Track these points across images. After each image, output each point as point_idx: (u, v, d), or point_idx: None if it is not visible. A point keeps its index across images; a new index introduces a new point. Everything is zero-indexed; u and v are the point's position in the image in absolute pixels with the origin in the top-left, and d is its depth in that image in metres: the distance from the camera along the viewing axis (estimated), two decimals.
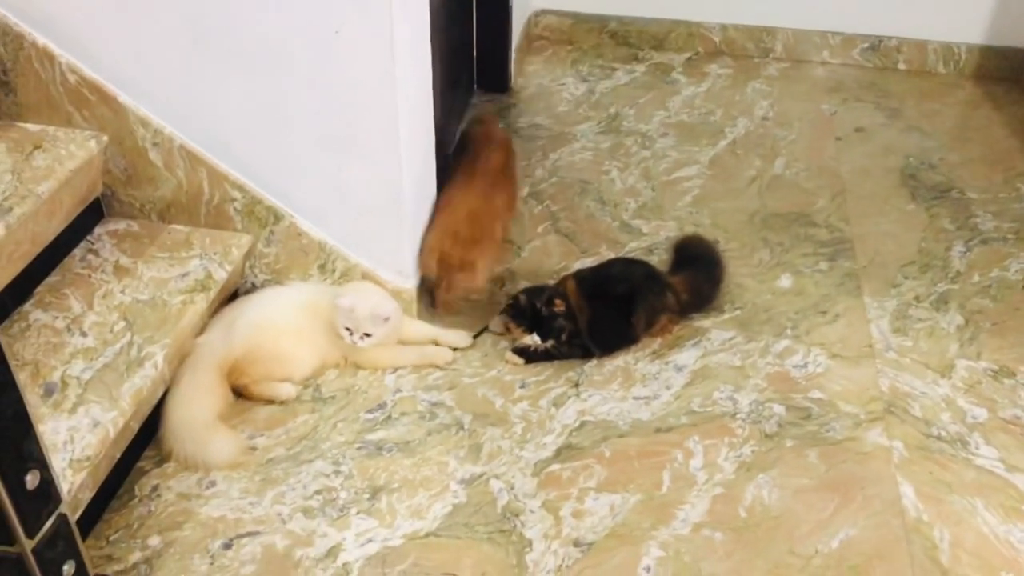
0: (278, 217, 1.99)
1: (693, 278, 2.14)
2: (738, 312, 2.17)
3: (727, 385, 1.97)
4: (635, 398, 1.94)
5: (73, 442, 1.52)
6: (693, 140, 2.87)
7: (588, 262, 2.27)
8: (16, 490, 1.12)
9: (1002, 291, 2.25)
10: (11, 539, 1.15)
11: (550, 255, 2.35)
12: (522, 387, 1.96)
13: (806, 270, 2.31)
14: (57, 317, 1.78)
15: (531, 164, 2.73)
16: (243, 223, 2.01)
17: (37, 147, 1.84)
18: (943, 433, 1.86)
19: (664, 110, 3.04)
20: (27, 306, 1.79)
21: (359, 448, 1.81)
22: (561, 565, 1.60)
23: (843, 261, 2.34)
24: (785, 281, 2.28)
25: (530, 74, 3.26)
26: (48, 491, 1.18)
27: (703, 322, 2.14)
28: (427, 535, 1.65)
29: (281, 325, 1.91)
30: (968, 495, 1.74)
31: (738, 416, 1.90)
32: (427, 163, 2.12)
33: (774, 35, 3.36)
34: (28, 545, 1.16)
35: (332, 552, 1.61)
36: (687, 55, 3.40)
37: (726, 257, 2.27)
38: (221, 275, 1.91)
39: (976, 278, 2.29)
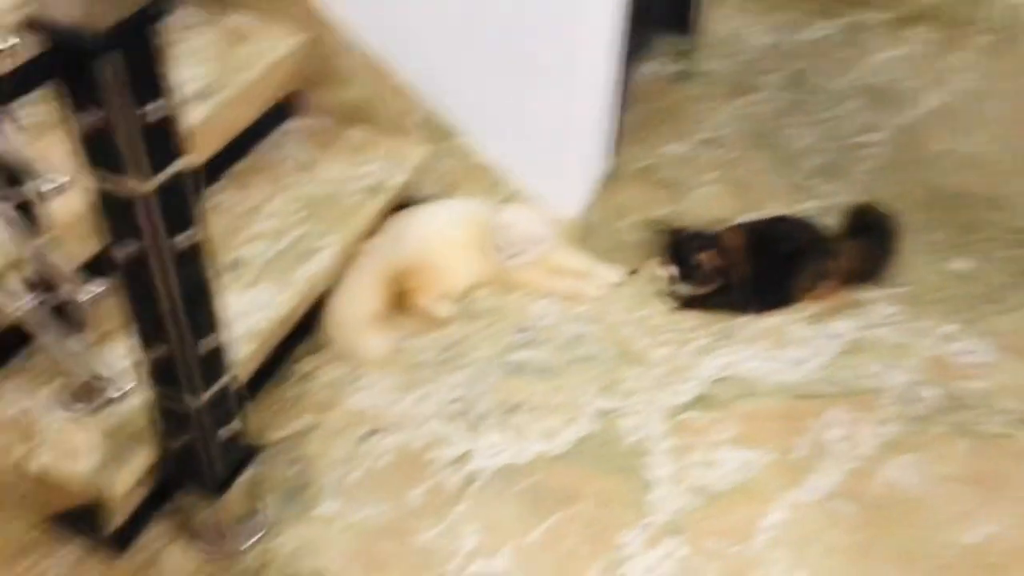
0: (454, 134, 2.04)
1: (863, 247, 2.07)
2: (906, 289, 2.08)
3: (881, 361, 1.90)
4: (783, 360, 1.91)
5: (247, 316, 1.64)
6: (883, 105, 2.73)
7: (754, 216, 2.22)
8: (194, 352, 1.23)
9: None
10: (182, 396, 1.26)
11: (716, 203, 2.31)
12: (669, 331, 1.96)
13: (986, 256, 2.18)
14: (241, 202, 1.89)
15: (710, 108, 2.67)
16: (421, 135, 2.07)
17: (243, 38, 1.95)
18: None
19: (856, 71, 2.89)
20: (215, 187, 1.92)
21: (501, 366, 1.86)
22: (681, 509, 1.61)
23: None
24: (962, 264, 2.16)
25: (721, 18, 3.16)
26: (221, 356, 1.29)
27: (867, 294, 2.07)
28: (554, 458, 1.70)
29: (446, 239, 1.97)
30: None
31: (888, 394, 1.84)
32: (606, 95, 2.11)
33: (990, 2, 3.12)
34: (197, 402, 1.27)
35: (463, 458, 1.68)
36: (889, 15, 3.21)
37: (901, 230, 2.17)
38: (396, 182, 1.99)
39: None
